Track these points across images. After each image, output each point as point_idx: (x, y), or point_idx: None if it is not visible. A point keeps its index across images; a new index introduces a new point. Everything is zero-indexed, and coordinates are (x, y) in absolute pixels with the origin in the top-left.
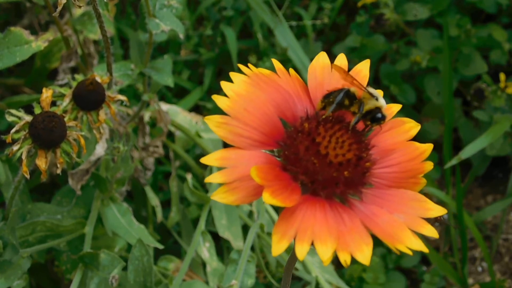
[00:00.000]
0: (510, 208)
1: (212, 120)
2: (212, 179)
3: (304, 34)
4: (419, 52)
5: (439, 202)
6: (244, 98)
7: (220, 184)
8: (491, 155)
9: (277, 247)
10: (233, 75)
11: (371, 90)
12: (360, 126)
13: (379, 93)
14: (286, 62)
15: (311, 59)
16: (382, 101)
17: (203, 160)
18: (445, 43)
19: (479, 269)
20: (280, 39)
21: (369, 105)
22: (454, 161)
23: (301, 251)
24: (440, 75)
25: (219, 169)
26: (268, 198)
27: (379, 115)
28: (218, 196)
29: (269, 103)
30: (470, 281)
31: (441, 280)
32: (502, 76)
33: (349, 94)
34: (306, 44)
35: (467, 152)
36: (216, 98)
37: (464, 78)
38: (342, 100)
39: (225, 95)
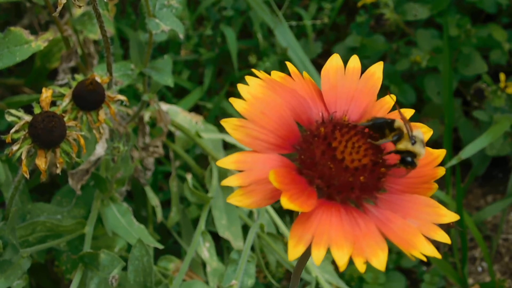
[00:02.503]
0: (510, 208)
1: (229, 123)
2: (228, 182)
3: (304, 34)
4: (419, 52)
5: (439, 202)
6: (261, 101)
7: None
8: (491, 155)
9: (294, 252)
10: (249, 78)
11: (416, 133)
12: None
13: (423, 137)
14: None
15: (311, 59)
16: (419, 148)
17: (219, 163)
18: (445, 43)
19: (479, 269)
20: (280, 39)
21: (402, 145)
22: (454, 161)
23: (318, 256)
24: (440, 75)
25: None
26: (286, 202)
27: (409, 159)
28: (234, 199)
29: (285, 107)
30: (470, 281)
31: (441, 280)
32: (502, 76)
33: (391, 126)
34: (306, 44)
35: (467, 152)
36: (233, 101)
37: (464, 78)
38: (382, 125)
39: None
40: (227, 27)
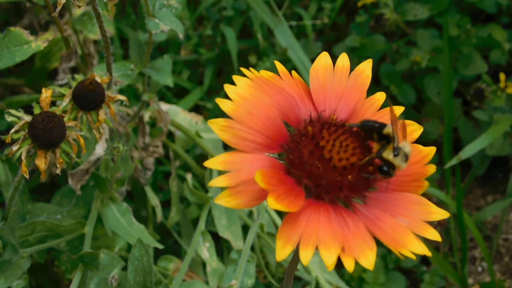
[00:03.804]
0: (510, 208)
1: (216, 124)
2: (216, 183)
3: (304, 34)
4: (419, 52)
5: (439, 202)
6: (248, 101)
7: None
8: (491, 155)
9: (282, 252)
10: (236, 78)
11: (403, 145)
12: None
13: (409, 149)
14: (286, 62)
15: (311, 59)
16: (399, 161)
17: (207, 163)
18: (445, 43)
19: (479, 269)
20: (280, 39)
21: (385, 154)
22: (454, 161)
23: (306, 256)
24: (440, 75)
25: (219, 170)
26: (272, 203)
27: (385, 168)
28: (222, 200)
29: (273, 106)
30: (470, 281)
31: (441, 280)
32: (502, 76)
33: (380, 130)
34: (306, 44)
35: (467, 152)
36: (220, 101)
37: (464, 78)
38: (371, 128)
39: (227, 97)
40: (227, 27)
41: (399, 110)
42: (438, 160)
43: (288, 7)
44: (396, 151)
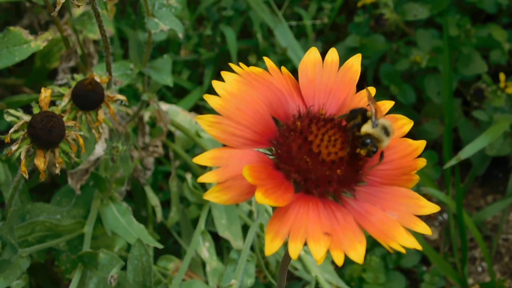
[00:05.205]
0: (510, 208)
1: (205, 120)
2: (205, 178)
3: (304, 34)
4: (419, 52)
5: (439, 203)
6: (236, 97)
7: None
8: (491, 155)
9: (270, 247)
10: (224, 74)
11: (382, 121)
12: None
13: (389, 125)
14: (286, 62)
15: None
16: (379, 132)
17: (196, 159)
18: (445, 43)
19: (479, 269)
20: (280, 39)
21: (364, 128)
22: (453, 161)
23: (295, 250)
24: (440, 75)
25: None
26: (260, 197)
27: (368, 141)
28: (211, 196)
29: (261, 102)
30: (470, 281)
31: (441, 280)
32: (502, 76)
33: (365, 114)
34: (306, 44)
35: (467, 152)
36: (207, 97)
37: (464, 78)
38: (357, 114)
39: (217, 95)
40: (227, 27)
41: (388, 104)
42: (438, 160)
43: (288, 7)
44: (374, 124)
